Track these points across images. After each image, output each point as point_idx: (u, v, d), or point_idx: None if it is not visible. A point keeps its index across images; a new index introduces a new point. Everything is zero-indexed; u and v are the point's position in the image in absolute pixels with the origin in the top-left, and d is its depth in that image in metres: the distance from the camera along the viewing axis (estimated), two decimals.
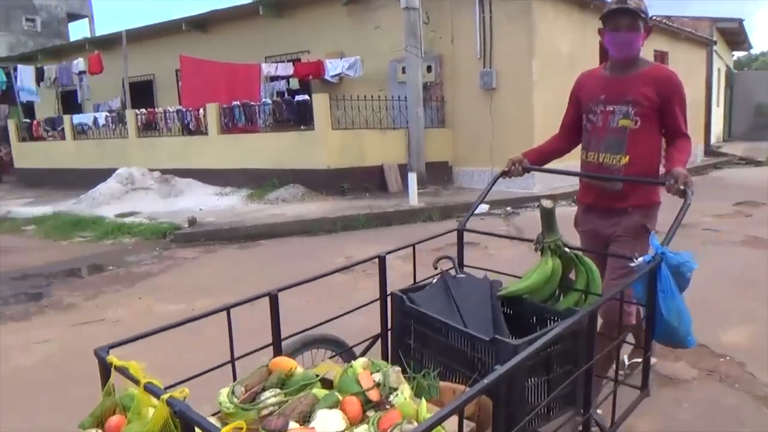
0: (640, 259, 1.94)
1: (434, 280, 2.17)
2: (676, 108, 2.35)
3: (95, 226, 8.12)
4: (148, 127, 11.60)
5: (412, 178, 8.46)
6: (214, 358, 1.82)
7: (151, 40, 13.51)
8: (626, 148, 2.36)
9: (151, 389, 1.25)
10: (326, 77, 11.08)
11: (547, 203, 2.07)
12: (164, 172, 10.45)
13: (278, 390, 1.48)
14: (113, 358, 1.37)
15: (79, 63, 12.76)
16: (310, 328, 2.07)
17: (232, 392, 1.45)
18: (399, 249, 2.33)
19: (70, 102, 15.32)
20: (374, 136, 9.66)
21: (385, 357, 2.13)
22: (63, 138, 12.84)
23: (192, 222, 7.62)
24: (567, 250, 2.11)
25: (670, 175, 2.16)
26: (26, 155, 13.75)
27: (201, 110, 10.47)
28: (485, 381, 1.19)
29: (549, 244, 2.09)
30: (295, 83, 11.88)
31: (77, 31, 25.69)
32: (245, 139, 10.14)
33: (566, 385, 1.70)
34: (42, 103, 15.09)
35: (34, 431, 2.75)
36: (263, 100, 10.49)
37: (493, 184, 2.58)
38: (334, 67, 10.93)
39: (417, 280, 2.27)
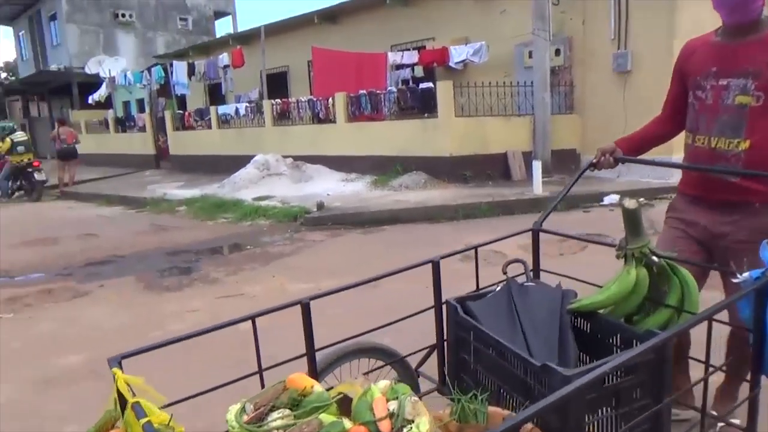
0: (746, 273, 1.63)
1: (498, 288, 1.95)
2: None
3: (236, 209, 8.88)
4: (283, 116, 12.38)
5: (537, 166, 8.26)
6: (248, 366, 1.75)
7: (286, 33, 14.35)
8: (745, 130, 1.94)
9: (136, 410, 1.21)
10: (450, 64, 11.09)
11: (629, 203, 1.78)
12: (296, 158, 11.12)
13: (288, 411, 1.36)
14: (117, 371, 1.33)
15: (224, 57, 13.91)
16: (354, 336, 1.93)
17: (243, 409, 1.37)
18: (457, 252, 2.11)
19: (215, 94, 16.73)
20: (498, 123, 9.54)
21: (441, 370, 2.01)
22: (209, 127, 14.10)
23: (320, 206, 8.07)
24: (655, 258, 1.80)
25: None
26: (179, 143, 15.28)
27: (330, 99, 10.98)
28: (526, 414, 1.06)
29: (633, 251, 1.80)
30: (419, 71, 12.02)
31: (222, 28, 27.89)
32: (370, 127, 10.48)
33: (641, 421, 1.44)
34: (192, 95, 16.64)
35: (187, 378, 3.16)
36: (389, 88, 10.76)
37: (578, 178, 2.31)
38: (458, 54, 10.90)
39: (481, 287, 2.07)
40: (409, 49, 11.77)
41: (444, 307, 1.91)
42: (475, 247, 2.08)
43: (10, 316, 4.49)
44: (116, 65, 19.13)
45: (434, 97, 9.42)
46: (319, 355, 1.82)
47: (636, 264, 1.79)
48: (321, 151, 11.06)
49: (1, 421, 2.80)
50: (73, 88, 21.09)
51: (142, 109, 19.65)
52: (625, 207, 1.77)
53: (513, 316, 1.76)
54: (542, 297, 1.84)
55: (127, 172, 15.87)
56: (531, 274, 2.07)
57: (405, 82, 12.05)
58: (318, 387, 1.44)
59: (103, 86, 17.48)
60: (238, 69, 13.93)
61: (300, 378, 1.46)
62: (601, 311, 1.80)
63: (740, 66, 1.95)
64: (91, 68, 19.74)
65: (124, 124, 18.08)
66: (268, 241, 6.93)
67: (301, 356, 1.77)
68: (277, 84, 14.64)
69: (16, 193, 12.77)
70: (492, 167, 9.40)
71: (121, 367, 1.37)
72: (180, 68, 14.83)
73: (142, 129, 16.89)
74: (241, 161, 11.43)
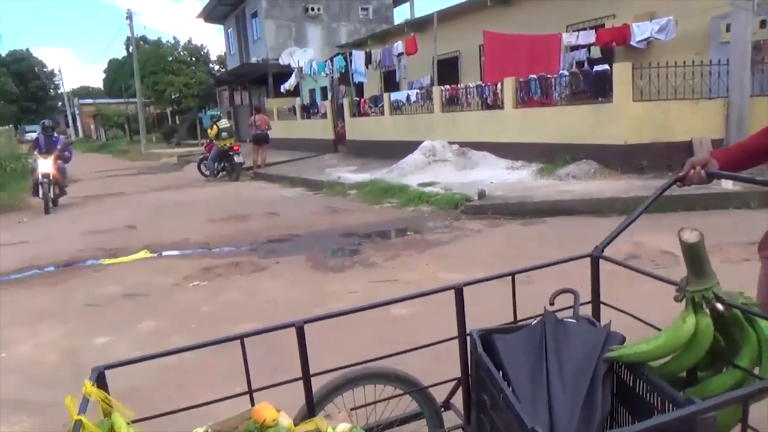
0: None
1: (534, 322, 1.69)
2: None
3: (401, 194, 9.26)
4: (451, 102, 12.50)
5: None
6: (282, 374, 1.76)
7: (458, 18, 14.39)
8: None
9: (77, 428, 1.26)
10: (632, 43, 10.24)
11: (689, 235, 1.43)
12: (462, 145, 11.20)
13: None
14: (89, 385, 1.36)
15: (398, 45, 14.41)
16: (367, 362, 1.83)
17: None
18: (487, 279, 1.90)
19: (390, 81, 17.42)
20: (683, 107, 8.62)
21: (467, 407, 1.85)
22: (382, 113, 14.76)
23: (482, 195, 8.08)
24: (720, 307, 1.44)
25: None
26: (355, 128, 16.24)
27: (498, 85, 10.83)
28: None
29: (694, 294, 1.45)
30: (596, 51, 11.28)
31: (401, 15, 28.73)
32: (539, 113, 10.15)
33: None
34: (369, 82, 17.52)
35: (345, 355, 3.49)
36: (561, 71, 10.29)
37: (660, 194, 1.92)
38: (641, 31, 10.02)
39: (519, 319, 1.85)
40: (585, 29, 11.09)
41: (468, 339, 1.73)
42: (512, 274, 1.87)
43: (205, 284, 5.28)
44: (305, 56, 20.84)
45: (609, 81, 8.80)
46: (323, 380, 1.75)
47: (698, 311, 1.46)
48: (487, 138, 11.00)
49: (185, 372, 3.36)
50: (268, 78, 23.43)
51: (325, 97, 21.17)
52: (683, 240, 1.43)
53: (541, 358, 1.52)
54: (581, 338, 1.56)
55: (309, 155, 17.31)
56: (579, 308, 1.79)
57: (579, 64, 11.40)
58: (284, 419, 1.45)
59: (293, 76, 19.17)
60: (411, 56, 14.34)
61: (264, 408, 1.46)
62: (651, 362, 1.49)
63: None
64: (283, 59, 21.75)
65: (309, 111, 19.69)
66: (428, 228, 7.14)
67: (297, 380, 1.70)
68: (448, 70, 14.79)
69: (221, 174, 14.65)
70: (673, 156, 8.54)
71: (104, 378, 1.46)
72: (358, 57, 15.70)
73: (324, 115, 18.25)
74: (410, 147, 11.82)
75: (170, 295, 5.01)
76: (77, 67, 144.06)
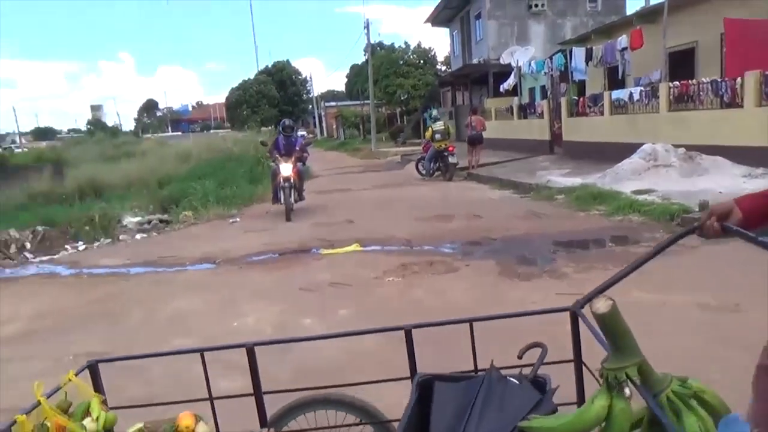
0: None
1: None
2: None
3: (611, 201, 8.74)
4: (680, 101, 11.31)
5: None
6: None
7: (694, 5, 12.85)
8: None
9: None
10: None
11: (599, 305, 1.23)
12: (690, 148, 10.09)
13: None
14: (71, 373, 1.60)
15: (622, 40, 13.46)
16: (326, 387, 1.86)
17: (141, 430, 1.60)
18: (435, 324, 1.83)
19: (613, 78, 16.33)
20: None
21: None
22: (602, 113, 13.96)
23: (704, 206, 7.26)
24: (627, 392, 1.22)
25: None
26: (572, 129, 15.62)
27: (738, 80, 9.49)
28: None
29: (608, 373, 1.26)
30: None
31: (633, 5, 26.44)
32: None
33: None
34: (592, 80, 16.66)
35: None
36: None
37: (667, 246, 1.62)
38: None
39: (479, 368, 1.72)
40: None
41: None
42: (471, 321, 1.76)
43: (399, 280, 5.79)
44: (525, 55, 20.60)
45: None
46: (281, 401, 1.82)
47: (614, 392, 1.25)
48: (722, 141, 9.74)
49: (369, 360, 3.80)
50: (489, 78, 23.69)
51: (545, 96, 20.69)
52: (593, 311, 1.24)
53: (464, 415, 1.44)
54: (511, 401, 1.44)
55: (523, 157, 17.14)
56: (540, 366, 1.59)
57: None
58: (201, 428, 1.63)
59: (512, 75, 19.14)
60: (636, 50, 13.28)
61: (185, 417, 1.64)
62: None
63: None
64: (504, 59, 21.79)
65: (526, 110, 19.46)
66: (633, 240, 6.72)
67: (248, 395, 1.79)
68: (682, 63, 13.32)
69: (436, 173, 15.40)
70: None
71: (98, 370, 1.75)
72: (578, 54, 15.05)
73: (540, 115, 17.87)
74: (629, 150, 11.03)
75: (369, 287, 5.62)
76: (325, 73, 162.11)
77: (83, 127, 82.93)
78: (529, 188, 11.30)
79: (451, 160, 14.72)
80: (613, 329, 1.24)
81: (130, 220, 11.23)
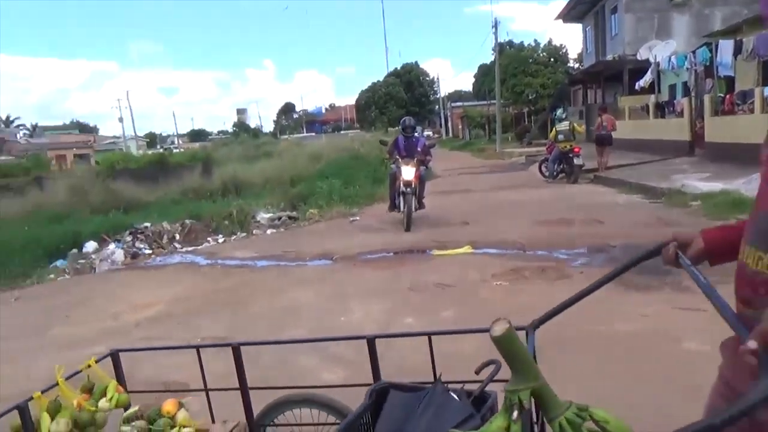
0: None
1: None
2: None
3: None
4: None
5: None
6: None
7: None
8: None
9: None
10: None
11: (495, 328, 1.20)
12: None
13: (143, 425, 1.83)
14: (92, 361, 1.99)
15: None
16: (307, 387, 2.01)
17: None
18: (398, 335, 2.11)
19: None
20: None
21: None
22: (751, 111, 12.61)
23: None
24: (515, 414, 1.19)
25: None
26: (716, 129, 14.27)
27: None
28: None
29: (509, 395, 1.22)
30: None
31: None
32: None
33: None
34: (742, 76, 15.09)
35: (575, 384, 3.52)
36: None
37: (628, 268, 1.56)
38: None
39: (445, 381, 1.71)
40: None
41: None
42: (429, 334, 1.78)
43: (506, 284, 5.76)
44: (665, 49, 19.16)
45: None
46: (267, 398, 1.98)
47: (511, 413, 1.21)
48: None
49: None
50: (623, 75, 22.32)
51: (687, 93, 19.10)
52: (491, 334, 1.22)
53: (403, 426, 1.52)
54: (444, 415, 1.49)
55: (658, 159, 15.97)
56: (489, 383, 1.56)
57: None
58: (181, 414, 1.89)
59: (649, 72, 17.88)
60: None
61: (169, 403, 1.92)
62: None
63: None
64: (642, 54, 20.45)
65: (664, 109, 18.08)
66: None
67: (235, 389, 1.98)
68: None
69: (559, 175, 14.87)
70: None
71: (118, 358, 2.08)
72: (725, 47, 13.71)
73: (680, 114, 16.51)
74: None
75: (475, 290, 5.66)
76: (453, 73, 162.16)
77: (230, 129, 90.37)
78: (660, 193, 10.55)
79: (576, 161, 14.13)
80: (509, 352, 1.22)
81: (263, 215, 12.18)
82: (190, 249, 9.63)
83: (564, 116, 15.59)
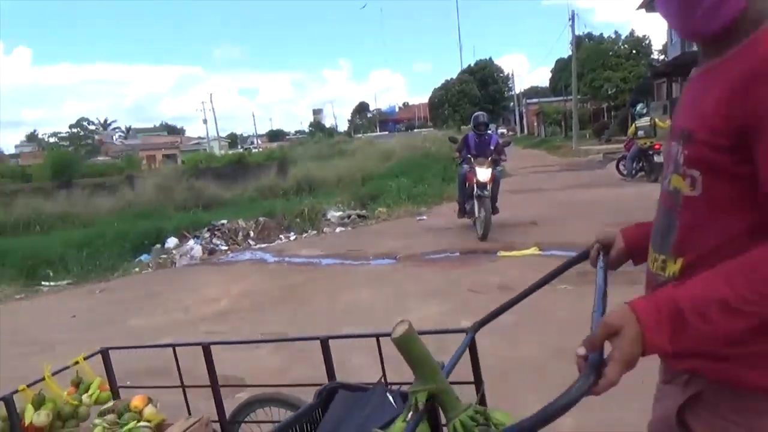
0: None
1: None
2: None
3: None
4: None
5: None
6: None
7: None
8: (675, 238, 1.10)
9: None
10: None
11: (397, 329, 1.17)
12: None
13: (113, 419, 1.93)
14: (80, 358, 2.16)
15: None
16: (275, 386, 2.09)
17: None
18: (350, 336, 2.09)
19: None
20: None
21: None
22: None
23: None
24: (410, 415, 1.20)
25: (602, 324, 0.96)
26: None
27: None
28: None
29: (415, 395, 1.21)
30: None
31: None
32: None
33: None
34: None
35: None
36: None
37: (560, 272, 1.59)
38: None
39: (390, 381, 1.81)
40: None
41: None
42: (378, 336, 1.81)
43: (572, 288, 5.56)
44: None
45: None
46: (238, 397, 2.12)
47: (412, 412, 1.22)
48: None
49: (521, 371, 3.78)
50: None
51: None
52: (391, 337, 1.19)
53: (341, 424, 1.60)
54: (376, 416, 1.54)
55: None
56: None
57: None
58: (148, 410, 1.99)
59: None
60: None
61: (138, 399, 2.02)
62: None
63: (682, 116, 1.12)
64: None
65: None
66: None
67: (206, 386, 2.09)
68: None
69: (638, 174, 14.19)
70: None
71: (108, 356, 2.21)
72: None
73: None
74: None
75: (538, 293, 5.49)
76: (528, 69, 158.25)
77: (306, 128, 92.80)
78: None
79: (656, 159, 13.41)
80: (409, 353, 1.20)
81: (333, 214, 12.43)
82: (262, 246, 9.97)
83: (645, 111, 14.87)
